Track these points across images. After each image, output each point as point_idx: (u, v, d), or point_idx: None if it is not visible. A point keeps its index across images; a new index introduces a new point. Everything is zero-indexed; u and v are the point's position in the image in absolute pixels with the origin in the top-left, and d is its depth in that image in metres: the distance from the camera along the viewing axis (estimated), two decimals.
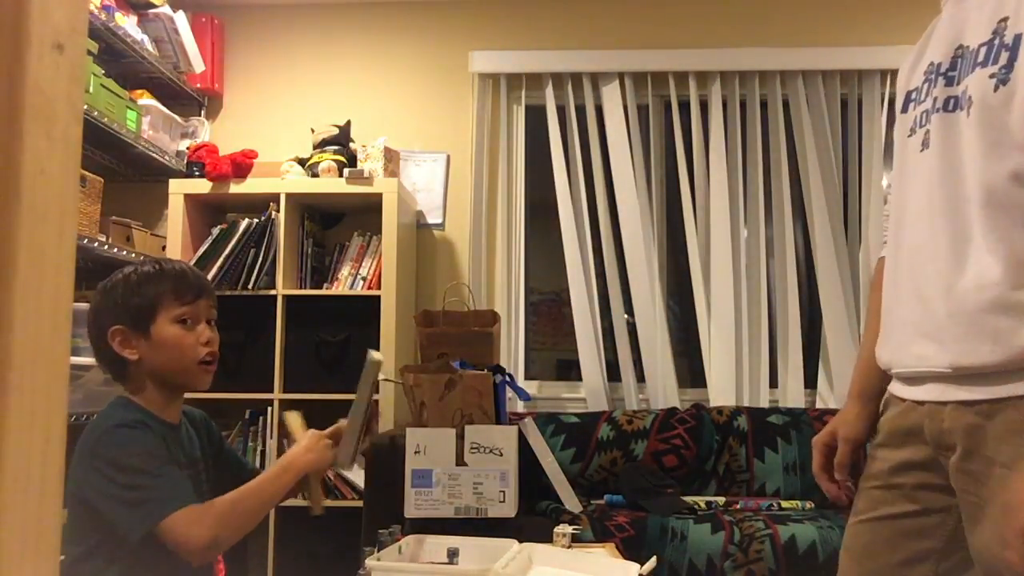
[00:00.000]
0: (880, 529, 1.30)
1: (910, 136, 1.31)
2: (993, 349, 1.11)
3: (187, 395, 1.60)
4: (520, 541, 1.61)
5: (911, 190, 1.28)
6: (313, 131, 3.36)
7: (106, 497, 1.37)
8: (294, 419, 1.74)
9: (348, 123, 3.37)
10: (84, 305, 2.72)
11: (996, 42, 1.14)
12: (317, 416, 3.30)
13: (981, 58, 1.16)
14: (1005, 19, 1.13)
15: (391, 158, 3.30)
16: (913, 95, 1.33)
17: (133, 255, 3.03)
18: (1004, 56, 1.12)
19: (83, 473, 1.38)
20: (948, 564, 1.25)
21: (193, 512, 1.36)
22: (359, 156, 3.29)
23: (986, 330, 1.12)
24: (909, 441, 1.28)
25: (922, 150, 1.26)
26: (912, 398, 1.27)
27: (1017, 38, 1.11)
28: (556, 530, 1.79)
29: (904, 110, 1.35)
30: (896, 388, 1.34)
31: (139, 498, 1.36)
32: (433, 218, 3.58)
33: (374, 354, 1.69)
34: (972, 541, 1.17)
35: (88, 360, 2.59)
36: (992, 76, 1.13)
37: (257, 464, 3.14)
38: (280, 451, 3.12)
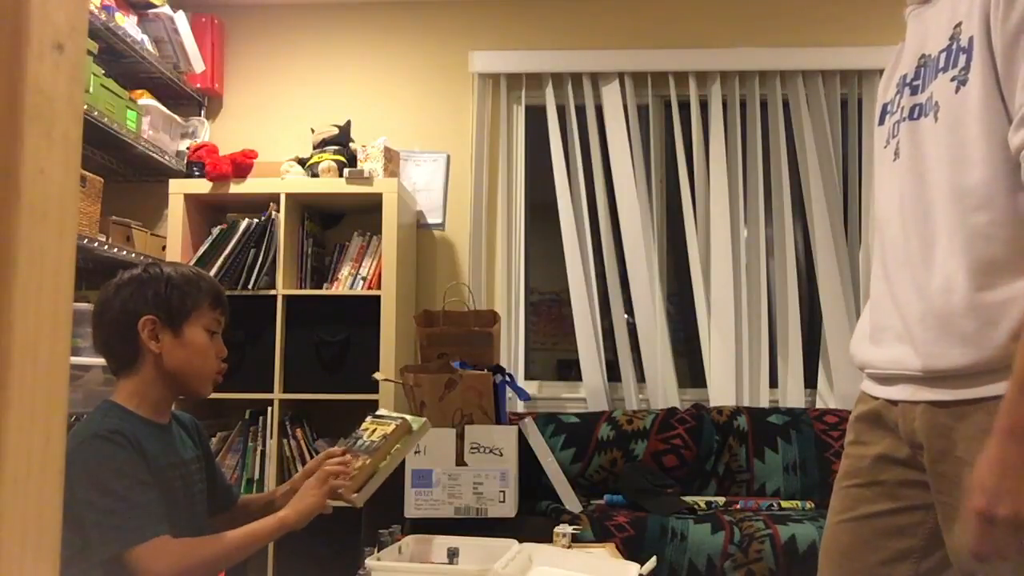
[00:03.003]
0: (860, 529, 1.30)
1: (885, 147, 1.36)
2: (963, 352, 1.13)
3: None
4: (520, 541, 1.61)
5: (886, 199, 1.32)
6: (313, 131, 3.36)
7: (80, 509, 1.39)
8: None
9: (348, 123, 3.37)
10: (83, 305, 2.72)
11: (954, 46, 1.18)
12: (317, 416, 3.31)
13: (942, 64, 1.20)
14: (960, 24, 1.18)
15: (391, 158, 3.30)
16: (888, 107, 1.38)
17: (133, 255, 3.03)
18: (962, 58, 1.16)
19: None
20: (929, 563, 1.26)
21: (156, 550, 1.38)
22: (359, 156, 3.28)
23: (955, 333, 1.14)
24: (886, 436, 1.29)
25: (894, 160, 1.30)
26: (885, 397, 1.29)
27: (971, 40, 1.14)
28: (556, 530, 1.79)
29: (880, 122, 1.40)
30: (868, 386, 1.35)
31: (105, 522, 1.38)
32: (433, 218, 3.58)
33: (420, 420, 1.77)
34: (948, 541, 1.18)
35: (88, 360, 2.60)
36: (953, 79, 1.17)
37: (257, 465, 3.13)
38: (280, 451, 3.13)
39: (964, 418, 1.14)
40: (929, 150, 1.20)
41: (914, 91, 1.27)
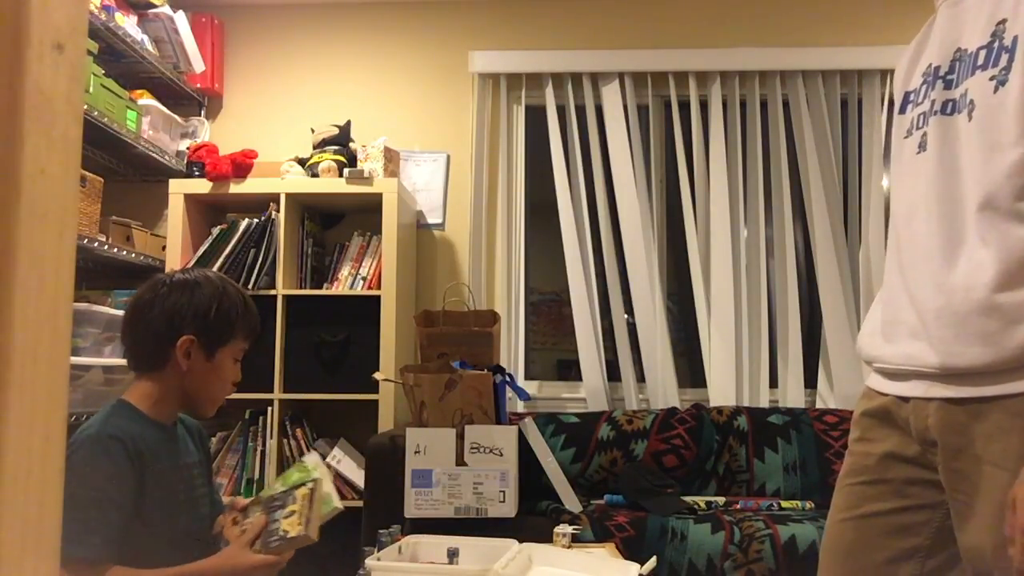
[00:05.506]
0: (864, 528, 1.29)
1: (907, 138, 1.32)
2: (983, 351, 1.11)
3: None
4: (520, 541, 1.61)
5: (908, 192, 1.28)
6: (313, 131, 3.36)
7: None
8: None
9: (348, 123, 3.37)
10: (83, 305, 2.72)
11: (996, 44, 1.15)
12: (317, 416, 3.31)
13: (981, 61, 1.16)
14: (1003, 21, 1.14)
15: (391, 158, 3.30)
16: (911, 96, 1.33)
17: (133, 255, 3.03)
18: (1004, 58, 1.13)
19: None
20: (934, 562, 1.24)
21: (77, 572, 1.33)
22: (359, 156, 3.29)
23: (975, 331, 1.12)
24: (894, 433, 1.27)
25: (919, 152, 1.27)
26: (896, 393, 1.26)
27: (1015, 40, 1.12)
28: (556, 530, 1.79)
29: (902, 111, 1.36)
30: (876, 382, 1.33)
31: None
32: (433, 218, 3.58)
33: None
34: (962, 540, 1.17)
35: (88, 360, 2.60)
36: (992, 78, 1.14)
37: (257, 465, 3.13)
38: (280, 451, 3.13)
39: (981, 415, 1.13)
40: (962, 148, 1.18)
41: (947, 85, 1.23)
